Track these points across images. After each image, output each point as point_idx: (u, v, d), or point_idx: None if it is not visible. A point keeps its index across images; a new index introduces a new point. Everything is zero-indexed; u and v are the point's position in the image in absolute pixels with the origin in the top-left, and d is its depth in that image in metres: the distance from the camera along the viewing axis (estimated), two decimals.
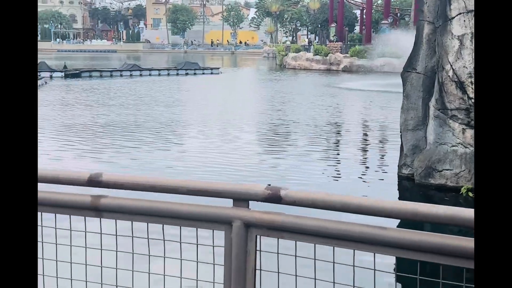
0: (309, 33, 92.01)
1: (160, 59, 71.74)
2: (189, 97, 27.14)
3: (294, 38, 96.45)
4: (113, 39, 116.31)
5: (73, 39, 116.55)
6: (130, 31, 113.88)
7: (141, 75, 40.24)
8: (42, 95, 26.46)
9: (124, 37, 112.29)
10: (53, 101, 24.11)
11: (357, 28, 76.56)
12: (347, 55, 48.55)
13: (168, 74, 41.55)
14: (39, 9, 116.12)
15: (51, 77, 34.24)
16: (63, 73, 37.42)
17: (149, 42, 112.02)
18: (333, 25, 58.69)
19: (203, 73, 42.84)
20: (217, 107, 23.15)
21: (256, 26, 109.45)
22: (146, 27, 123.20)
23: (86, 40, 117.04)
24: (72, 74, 37.88)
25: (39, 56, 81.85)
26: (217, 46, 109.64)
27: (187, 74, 41.90)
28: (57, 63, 44.02)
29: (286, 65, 52.97)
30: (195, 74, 42.14)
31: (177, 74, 41.62)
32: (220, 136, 15.51)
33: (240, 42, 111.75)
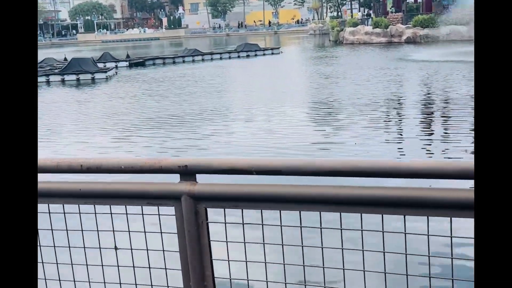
0: (358, 6, 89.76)
1: (203, 43, 70.85)
2: (261, 79, 26.31)
3: (340, 13, 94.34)
4: (154, 27, 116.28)
5: (115, 29, 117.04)
6: (171, 18, 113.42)
7: (203, 60, 39.55)
8: (118, 86, 25.95)
9: (165, 24, 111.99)
10: (129, 93, 23.44)
11: None
12: (409, 25, 46.67)
13: (230, 57, 40.77)
14: (80, 1, 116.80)
15: (116, 67, 33.76)
16: (127, 63, 36.97)
17: (188, 27, 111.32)
18: None
19: (264, 54, 41.88)
20: (295, 85, 22.13)
21: (301, 2, 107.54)
22: (184, 12, 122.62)
23: (127, 29, 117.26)
24: (136, 63, 37.42)
25: (84, 47, 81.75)
26: (260, 26, 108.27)
27: (248, 56, 41.01)
28: (117, 53, 43.64)
29: (344, 41, 51.37)
30: (256, 55, 41.22)
31: (238, 57, 40.81)
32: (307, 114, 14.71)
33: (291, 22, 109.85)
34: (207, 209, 2.11)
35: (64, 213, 2.32)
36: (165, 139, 13.09)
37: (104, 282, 2.35)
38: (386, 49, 40.77)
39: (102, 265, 2.33)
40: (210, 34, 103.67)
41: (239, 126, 14.29)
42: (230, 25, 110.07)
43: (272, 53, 42.54)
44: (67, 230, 2.36)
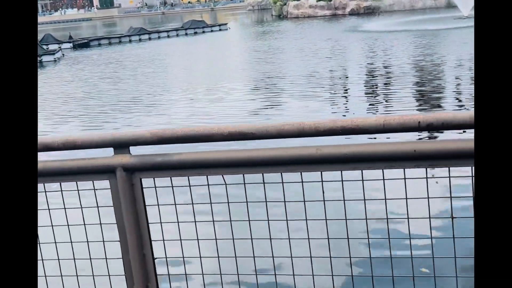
0: None
1: (139, 23, 69.01)
2: (214, 55, 25.95)
3: None
4: (84, 7, 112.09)
5: (42, 11, 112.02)
6: None
7: (149, 38, 38.54)
8: (68, 69, 24.78)
9: (96, 4, 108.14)
10: (82, 76, 22.50)
11: None
12: None
13: (177, 35, 39.92)
14: None
15: (60, 48, 32.18)
16: (71, 44, 35.36)
17: (121, 7, 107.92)
18: None
19: (212, 31, 41.26)
20: (248, 60, 21.86)
21: None
22: None
23: (55, 10, 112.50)
24: (80, 44, 35.88)
25: None
26: (196, 3, 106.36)
27: (195, 33, 40.26)
28: (58, 34, 41.63)
29: (288, 15, 51.21)
30: (203, 32, 40.53)
31: (186, 34, 40.02)
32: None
33: None
34: (142, 179, 2.15)
35: None
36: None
37: (42, 260, 2.34)
38: (331, 21, 40.93)
39: (39, 243, 2.32)
40: (145, 13, 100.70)
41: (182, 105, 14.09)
42: (167, 2, 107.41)
43: (220, 29, 41.95)
44: (49, 209, 2.36)
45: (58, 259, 2.37)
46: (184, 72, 20.98)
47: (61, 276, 2.39)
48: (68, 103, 16.00)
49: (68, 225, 2.34)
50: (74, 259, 2.36)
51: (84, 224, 2.34)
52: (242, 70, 20.11)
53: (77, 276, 2.40)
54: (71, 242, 2.36)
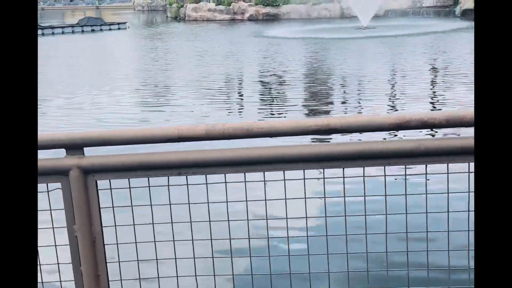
0: None
1: None
2: (114, 55, 25.34)
3: None
4: None
5: None
6: None
7: (43, 34, 36.73)
8: None
9: None
10: None
11: None
12: (251, 3, 47.77)
13: (73, 32, 38.49)
14: None
15: None
16: None
17: None
18: None
19: (110, 29, 40.23)
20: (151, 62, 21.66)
21: None
22: None
23: None
24: None
25: None
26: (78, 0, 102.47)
27: (93, 30, 39.06)
28: None
29: (186, 17, 51.02)
30: (101, 30, 39.44)
31: (83, 32, 38.69)
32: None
33: None
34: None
35: None
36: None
37: None
38: (232, 26, 41.34)
39: None
40: None
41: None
42: None
43: (119, 28, 40.95)
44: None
45: None
46: (68, 73, 19.90)
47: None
48: None
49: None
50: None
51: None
52: (136, 71, 19.66)
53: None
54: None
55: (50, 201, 2.21)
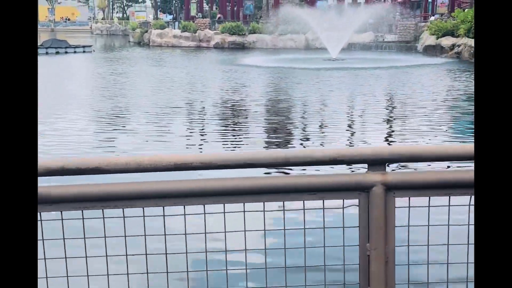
0: (149, 10, 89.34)
1: None
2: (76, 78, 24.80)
3: (125, 14, 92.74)
4: None
5: None
6: None
7: None
8: None
9: None
10: None
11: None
12: (217, 31, 48.01)
13: (37, 54, 37.35)
14: None
15: None
16: None
17: None
18: (193, 0, 57.47)
19: (75, 52, 39.52)
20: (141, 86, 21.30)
21: (85, 0, 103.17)
22: None
23: None
24: None
25: None
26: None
27: (57, 53, 38.28)
28: None
29: (150, 43, 50.79)
30: (66, 52, 38.65)
31: (47, 53, 37.81)
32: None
33: (64, 19, 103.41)
34: None
35: None
36: None
37: None
38: (198, 53, 41.31)
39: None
40: None
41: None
42: None
43: (84, 51, 40.25)
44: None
45: None
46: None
47: None
48: None
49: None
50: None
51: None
52: (101, 97, 18.81)
53: None
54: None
55: (344, 218, 2.12)
